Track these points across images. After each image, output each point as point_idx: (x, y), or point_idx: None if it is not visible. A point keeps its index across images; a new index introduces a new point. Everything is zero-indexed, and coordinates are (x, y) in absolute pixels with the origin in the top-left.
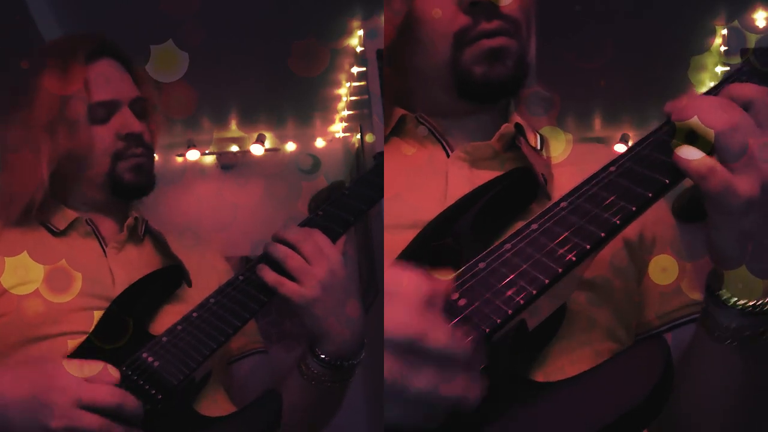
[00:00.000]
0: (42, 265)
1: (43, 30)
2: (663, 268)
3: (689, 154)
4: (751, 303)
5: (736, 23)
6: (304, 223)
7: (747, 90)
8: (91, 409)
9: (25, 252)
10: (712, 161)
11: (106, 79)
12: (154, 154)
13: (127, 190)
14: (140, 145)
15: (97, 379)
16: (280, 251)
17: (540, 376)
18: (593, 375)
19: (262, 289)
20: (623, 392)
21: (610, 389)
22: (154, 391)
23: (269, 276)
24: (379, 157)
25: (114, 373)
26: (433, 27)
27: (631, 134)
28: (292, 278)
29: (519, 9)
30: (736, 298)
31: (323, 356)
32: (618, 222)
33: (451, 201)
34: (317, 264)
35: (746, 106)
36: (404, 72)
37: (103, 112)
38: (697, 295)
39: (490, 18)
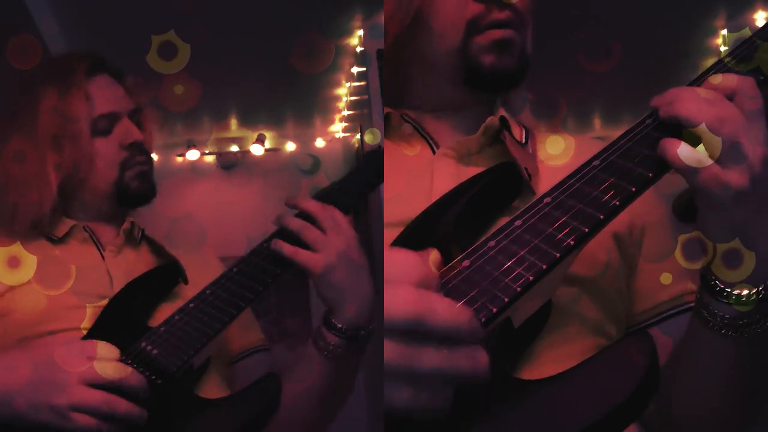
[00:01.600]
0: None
1: (49, 42)
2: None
3: (676, 148)
4: (745, 293)
5: (747, 30)
6: (318, 196)
7: (730, 81)
8: (95, 385)
9: (17, 244)
10: (700, 155)
11: (105, 93)
12: (153, 162)
13: (132, 198)
14: (143, 153)
15: (98, 356)
16: (297, 223)
17: (527, 374)
18: (578, 373)
19: (266, 270)
20: (608, 390)
21: (595, 387)
22: (153, 377)
23: (285, 247)
24: (377, 152)
25: (113, 350)
26: (445, 14)
27: None
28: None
29: (523, 2)
30: (730, 289)
31: (339, 325)
32: (602, 217)
33: (436, 198)
34: (334, 235)
35: (730, 97)
36: (406, 64)
37: (105, 124)
38: (689, 285)
39: (502, 8)
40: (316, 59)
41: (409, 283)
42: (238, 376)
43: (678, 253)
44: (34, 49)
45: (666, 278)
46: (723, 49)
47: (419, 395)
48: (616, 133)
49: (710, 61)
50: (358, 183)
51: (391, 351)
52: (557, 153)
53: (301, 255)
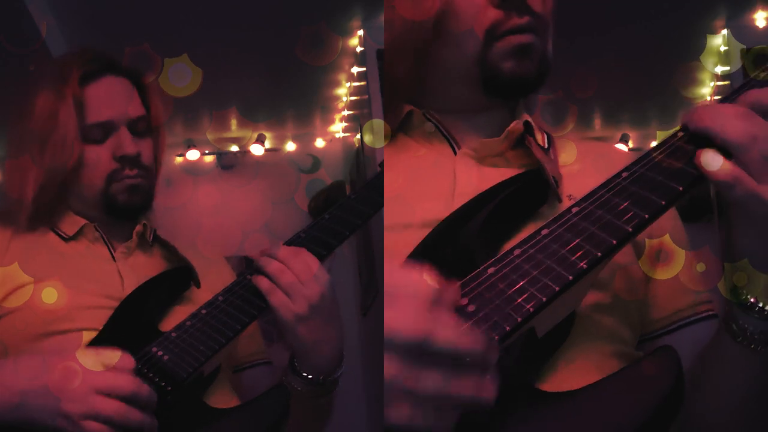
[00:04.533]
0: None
1: (49, 42)
2: (667, 257)
3: (713, 161)
4: None
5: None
6: (290, 243)
7: (762, 96)
8: (107, 395)
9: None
10: (736, 169)
11: (105, 99)
12: (155, 173)
13: (120, 210)
14: (135, 167)
15: (114, 365)
16: (273, 266)
17: (547, 383)
18: (602, 388)
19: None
20: (631, 408)
21: (619, 404)
22: (163, 383)
23: (263, 283)
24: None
25: (130, 361)
26: (465, 21)
27: (631, 134)
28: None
29: (544, 7)
30: (762, 303)
31: (305, 374)
32: (630, 229)
33: (459, 199)
34: (308, 283)
35: (765, 112)
36: (426, 69)
37: (98, 133)
38: (705, 294)
39: (522, 13)
40: (322, 51)
41: (416, 302)
42: (245, 387)
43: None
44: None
45: (684, 284)
46: (723, 49)
47: (418, 415)
48: (617, 133)
49: (710, 61)
50: (354, 213)
51: (392, 368)
52: (571, 160)
53: (277, 297)
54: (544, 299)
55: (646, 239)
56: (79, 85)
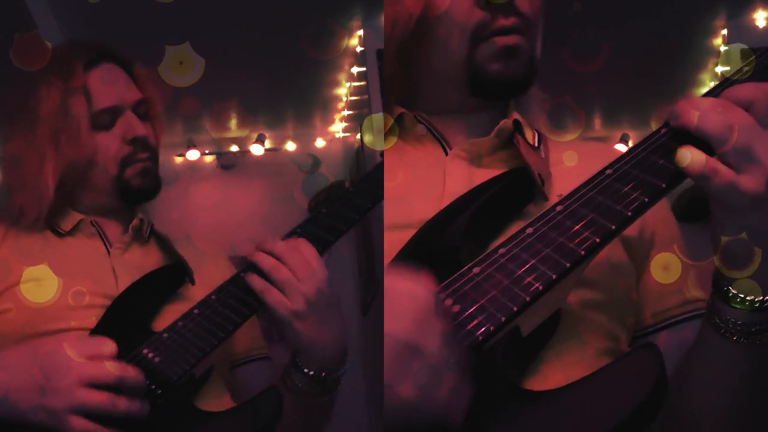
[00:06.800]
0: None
1: (48, 40)
2: (665, 266)
3: (691, 156)
4: (758, 299)
5: None
6: (288, 236)
7: (746, 90)
8: (95, 386)
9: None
10: (714, 162)
11: (107, 85)
12: (158, 157)
13: (134, 194)
14: (146, 149)
15: (97, 355)
16: (267, 262)
17: (535, 382)
18: (585, 385)
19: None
20: (615, 405)
21: (602, 401)
22: (153, 386)
23: (257, 282)
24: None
25: (111, 346)
26: (449, 22)
27: (631, 134)
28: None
29: (531, 7)
30: (743, 295)
31: (306, 370)
32: (614, 227)
33: (448, 200)
34: (304, 279)
35: (747, 106)
36: (413, 70)
37: (107, 119)
38: (696, 293)
39: (508, 15)
40: (326, 46)
41: (411, 311)
42: (241, 383)
43: (655, 271)
44: (41, 48)
45: (675, 284)
46: (723, 49)
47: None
48: (617, 133)
49: (710, 61)
50: (351, 208)
51: (387, 366)
52: (572, 163)
53: (271, 295)
54: (528, 299)
55: (639, 234)
56: (83, 73)
